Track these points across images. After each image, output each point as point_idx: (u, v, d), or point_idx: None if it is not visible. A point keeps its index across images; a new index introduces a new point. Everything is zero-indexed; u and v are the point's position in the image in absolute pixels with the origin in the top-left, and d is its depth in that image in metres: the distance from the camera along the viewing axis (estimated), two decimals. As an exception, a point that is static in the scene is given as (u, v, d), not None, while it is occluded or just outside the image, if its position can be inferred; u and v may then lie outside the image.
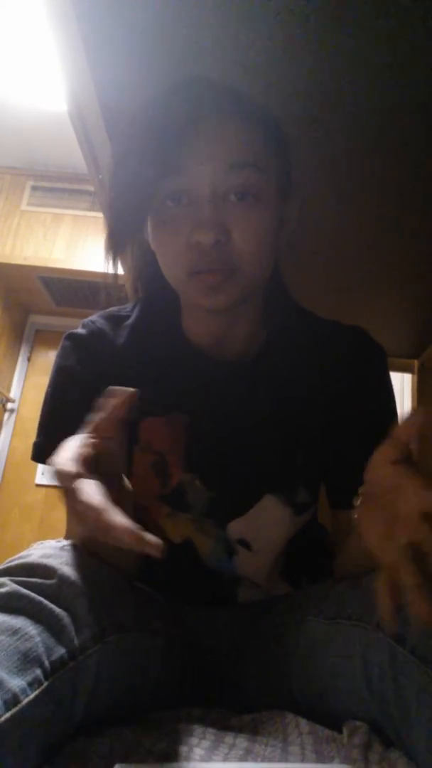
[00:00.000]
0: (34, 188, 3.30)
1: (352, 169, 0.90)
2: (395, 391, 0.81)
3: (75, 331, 0.79)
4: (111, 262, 0.70)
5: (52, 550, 0.59)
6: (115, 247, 0.70)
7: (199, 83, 0.65)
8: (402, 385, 1.96)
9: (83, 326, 0.79)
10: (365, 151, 0.87)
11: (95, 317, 0.80)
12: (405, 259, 1.15)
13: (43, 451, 0.74)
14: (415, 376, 1.78)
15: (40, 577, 0.54)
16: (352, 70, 0.72)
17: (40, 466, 3.47)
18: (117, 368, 0.75)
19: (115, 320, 0.80)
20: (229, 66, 0.72)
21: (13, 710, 0.43)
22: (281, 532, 0.77)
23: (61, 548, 0.60)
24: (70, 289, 3.39)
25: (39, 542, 0.64)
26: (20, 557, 0.57)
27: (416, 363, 1.76)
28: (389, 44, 0.68)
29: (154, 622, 0.66)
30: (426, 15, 0.64)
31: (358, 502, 0.52)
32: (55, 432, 0.75)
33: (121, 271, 0.74)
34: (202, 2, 0.65)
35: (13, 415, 3.63)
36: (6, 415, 3.61)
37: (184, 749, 0.53)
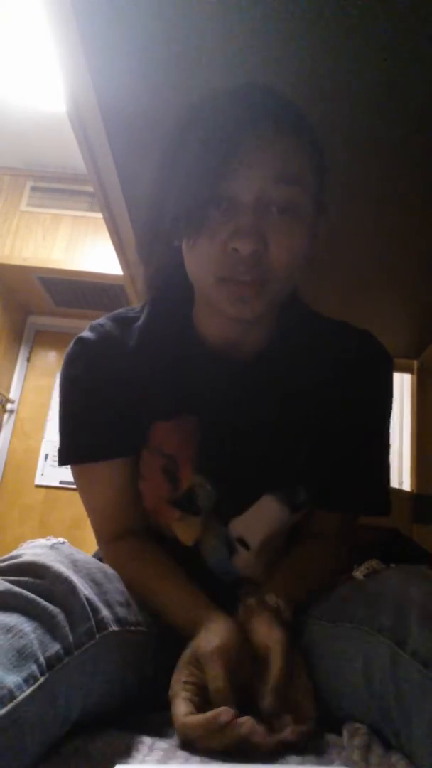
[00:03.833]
0: (34, 189, 3.31)
1: (351, 170, 0.90)
2: (395, 392, 0.81)
3: (84, 335, 0.77)
4: (145, 263, 0.70)
5: (42, 549, 0.59)
6: (150, 247, 0.69)
7: (261, 90, 0.64)
8: (402, 385, 1.95)
9: (92, 330, 0.77)
10: (364, 153, 0.87)
11: (104, 320, 0.79)
12: (405, 260, 1.15)
13: (68, 457, 0.77)
14: (415, 376, 1.78)
15: (33, 576, 0.54)
16: (351, 73, 0.72)
17: (39, 467, 3.48)
18: (128, 371, 0.75)
19: (125, 322, 0.78)
20: (228, 67, 0.72)
21: (9, 706, 0.43)
22: (277, 527, 0.77)
23: (51, 546, 0.60)
24: (70, 290, 3.39)
25: (29, 541, 0.64)
26: (11, 557, 0.57)
27: (416, 363, 1.76)
28: (388, 45, 0.68)
29: (148, 617, 0.66)
30: (425, 15, 0.64)
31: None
32: (75, 437, 0.76)
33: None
34: (202, 3, 0.65)
35: (13, 416, 3.62)
36: (6, 415, 3.61)
37: (184, 749, 0.52)
